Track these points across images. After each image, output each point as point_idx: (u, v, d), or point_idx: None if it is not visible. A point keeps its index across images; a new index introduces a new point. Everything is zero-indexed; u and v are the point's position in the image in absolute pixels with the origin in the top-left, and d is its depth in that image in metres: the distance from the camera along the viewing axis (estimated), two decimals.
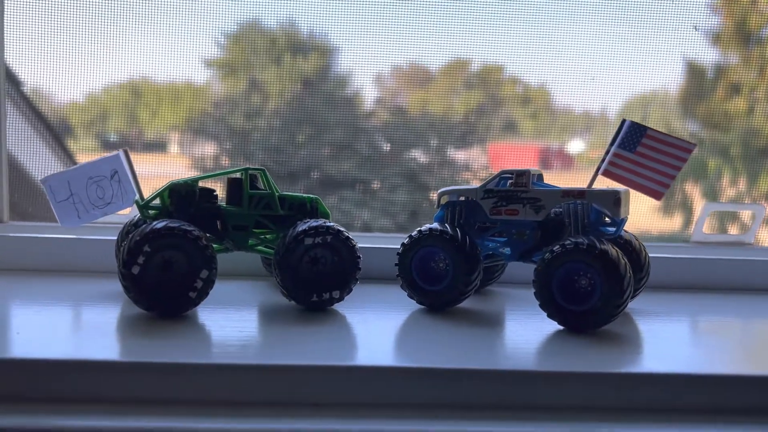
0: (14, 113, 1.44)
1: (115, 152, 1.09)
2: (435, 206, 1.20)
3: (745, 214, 1.57)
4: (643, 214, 1.59)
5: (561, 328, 1.04)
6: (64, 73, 1.44)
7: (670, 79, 1.61)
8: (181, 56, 1.50)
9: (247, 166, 1.12)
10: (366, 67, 1.58)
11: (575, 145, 1.77)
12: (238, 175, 1.13)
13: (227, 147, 1.66)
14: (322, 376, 0.85)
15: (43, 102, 1.50)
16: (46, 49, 1.41)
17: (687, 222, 1.68)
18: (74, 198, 1.06)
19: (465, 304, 1.15)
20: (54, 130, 1.52)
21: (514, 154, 1.74)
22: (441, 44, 1.54)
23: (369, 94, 1.64)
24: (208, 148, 1.66)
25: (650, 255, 1.17)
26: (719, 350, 1.03)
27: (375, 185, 1.66)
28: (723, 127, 1.66)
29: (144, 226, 1.02)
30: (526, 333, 1.04)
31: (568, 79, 1.58)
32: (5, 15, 1.35)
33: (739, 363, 0.99)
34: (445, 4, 1.49)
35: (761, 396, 0.88)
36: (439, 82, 1.67)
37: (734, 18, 1.57)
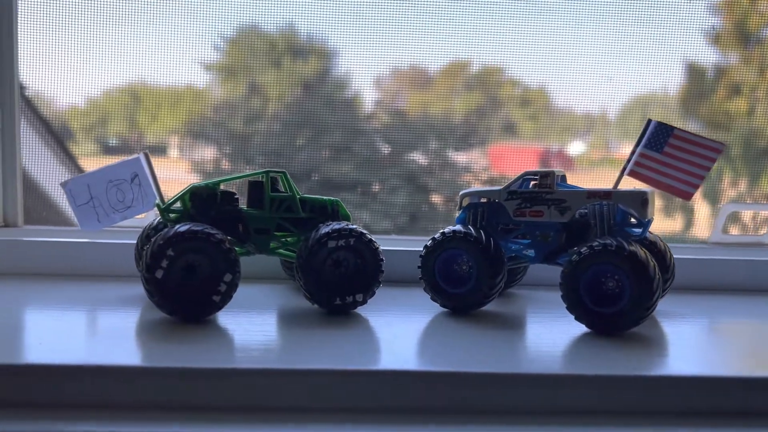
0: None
1: (135, 155, 1.07)
2: (457, 208, 1.19)
3: (752, 215, 1.58)
4: None
5: (585, 330, 1.03)
6: (64, 77, 1.42)
7: (670, 79, 1.61)
8: (180, 60, 1.49)
9: (268, 168, 1.11)
10: (365, 69, 1.57)
11: (576, 146, 1.77)
12: (259, 177, 1.12)
13: (227, 151, 1.65)
14: (346, 380, 0.84)
15: (44, 106, 1.48)
16: (45, 53, 1.39)
17: (688, 223, 1.69)
18: (94, 202, 1.04)
19: (488, 306, 1.14)
20: (57, 135, 1.50)
21: (514, 156, 1.74)
22: (440, 46, 1.53)
23: (368, 97, 1.63)
24: (208, 152, 1.65)
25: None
26: (745, 352, 1.03)
27: (375, 187, 1.65)
28: (724, 127, 1.66)
29: (167, 229, 1.01)
30: (550, 336, 1.03)
31: (568, 80, 1.58)
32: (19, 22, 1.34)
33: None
34: (444, 6, 1.48)
35: None
36: (438, 84, 1.66)
37: (734, 18, 1.58)
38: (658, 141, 1.04)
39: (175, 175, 1.65)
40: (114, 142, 1.62)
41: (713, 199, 1.70)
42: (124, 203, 1.06)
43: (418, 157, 1.68)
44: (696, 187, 1.03)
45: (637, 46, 1.52)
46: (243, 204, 1.13)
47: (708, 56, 1.58)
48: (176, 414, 0.81)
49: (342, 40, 1.54)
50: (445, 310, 1.13)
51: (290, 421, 0.81)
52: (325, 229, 1.07)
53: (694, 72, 1.62)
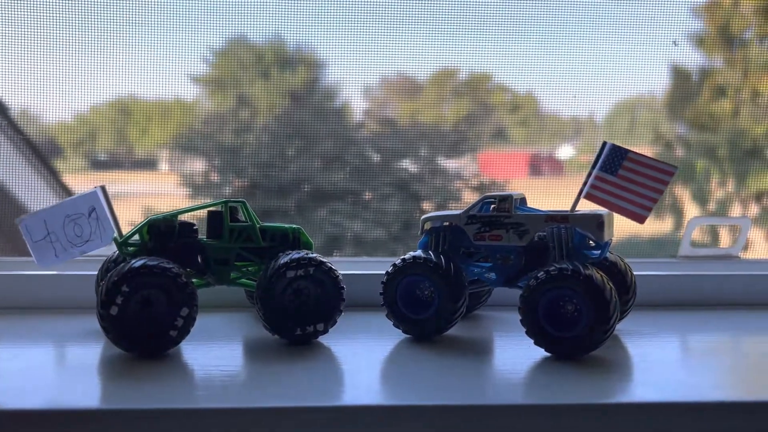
0: (3, 141, 1.43)
1: (92, 189, 1.07)
2: (419, 232, 1.18)
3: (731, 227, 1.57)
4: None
5: (547, 354, 1.02)
6: (51, 93, 1.43)
7: (656, 82, 1.61)
8: (168, 73, 1.49)
9: (227, 198, 1.11)
10: (354, 78, 1.57)
11: (565, 151, 1.77)
12: (218, 208, 1.12)
13: (217, 163, 1.65)
14: (309, 417, 0.84)
15: (30, 124, 1.48)
16: (32, 70, 1.40)
17: (678, 225, 1.68)
18: (51, 237, 1.04)
19: (452, 330, 1.13)
20: (42, 155, 1.50)
21: (504, 162, 1.74)
22: (428, 54, 1.53)
23: (357, 106, 1.63)
24: (198, 165, 1.65)
25: (637, 273, 1.17)
26: (711, 374, 1.02)
27: (367, 196, 1.66)
28: (710, 128, 1.66)
29: (122, 264, 1.01)
30: (514, 362, 1.03)
31: (556, 85, 1.57)
32: None
33: (733, 388, 0.98)
34: (432, 14, 1.48)
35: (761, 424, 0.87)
36: (427, 91, 1.66)
37: (717, 21, 1.57)
38: (613, 164, 1.04)
39: (165, 190, 1.66)
40: (103, 156, 1.62)
41: (702, 200, 1.69)
42: (82, 238, 1.05)
43: (409, 165, 1.68)
44: (649, 209, 1.02)
45: (623, 51, 1.52)
46: (203, 235, 1.12)
47: (693, 59, 1.58)
48: None
49: (330, 49, 1.54)
50: (408, 336, 1.13)
51: None
52: (283, 259, 1.06)
53: (679, 75, 1.61)
